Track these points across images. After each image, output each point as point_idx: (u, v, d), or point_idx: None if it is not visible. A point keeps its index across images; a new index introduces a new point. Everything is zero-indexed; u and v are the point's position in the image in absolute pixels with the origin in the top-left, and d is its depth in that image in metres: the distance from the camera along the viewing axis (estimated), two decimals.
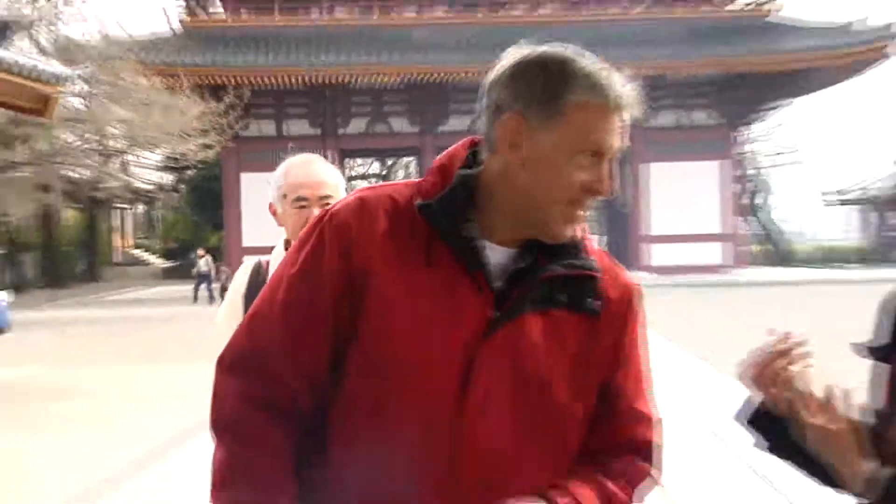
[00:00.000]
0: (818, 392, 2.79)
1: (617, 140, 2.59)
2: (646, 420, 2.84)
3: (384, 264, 2.61)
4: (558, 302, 2.66)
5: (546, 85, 2.56)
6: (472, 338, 2.58)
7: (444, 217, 2.61)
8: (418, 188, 2.71)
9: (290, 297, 2.68)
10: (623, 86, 2.58)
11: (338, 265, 2.62)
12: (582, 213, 2.64)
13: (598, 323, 2.72)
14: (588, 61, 2.59)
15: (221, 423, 2.69)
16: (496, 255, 2.65)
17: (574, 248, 2.69)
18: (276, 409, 2.64)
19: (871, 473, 2.63)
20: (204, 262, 49.68)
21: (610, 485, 2.73)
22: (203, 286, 47.07)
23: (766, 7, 57.41)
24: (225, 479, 2.64)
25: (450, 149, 2.80)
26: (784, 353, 2.81)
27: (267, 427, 2.63)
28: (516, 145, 2.57)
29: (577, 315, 2.69)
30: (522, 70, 2.61)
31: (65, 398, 19.51)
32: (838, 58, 54.63)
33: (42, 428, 16.44)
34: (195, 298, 45.05)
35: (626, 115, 2.60)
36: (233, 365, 2.72)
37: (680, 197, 54.75)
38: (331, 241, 2.65)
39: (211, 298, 45.04)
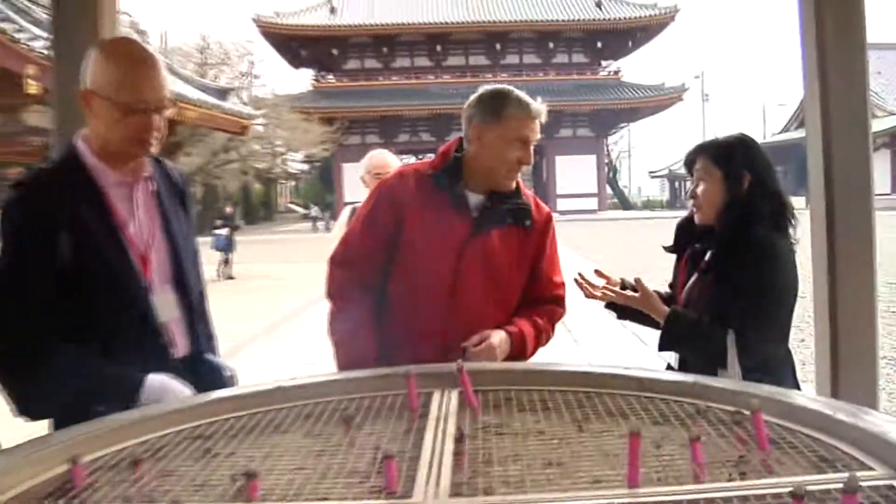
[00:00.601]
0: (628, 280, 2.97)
1: (535, 134, 2.70)
2: (558, 283, 2.94)
3: (412, 208, 2.71)
4: (507, 223, 2.76)
5: (494, 106, 2.70)
6: (459, 245, 2.69)
7: (444, 180, 2.73)
8: (431, 165, 2.82)
9: (363, 227, 2.81)
10: (536, 105, 2.70)
11: (386, 210, 2.75)
12: (517, 174, 2.75)
13: (529, 233, 2.80)
14: (517, 92, 2.73)
15: (330, 293, 2.84)
16: (473, 199, 2.74)
17: (516, 194, 2.78)
18: (359, 283, 2.76)
19: (665, 313, 2.72)
20: (315, 210, 50.55)
21: (538, 320, 2.82)
22: (315, 223, 47.61)
23: (618, 74, 57.16)
24: (333, 323, 2.82)
25: (447, 143, 2.87)
26: (600, 276, 2.98)
27: (354, 293, 2.76)
28: (479, 139, 2.71)
29: (518, 229, 2.77)
30: (482, 98, 2.75)
31: (259, 279, 19.96)
32: (655, 101, 54.76)
33: (248, 294, 16.98)
34: (314, 229, 45.69)
35: (539, 120, 2.71)
36: (336, 261, 2.86)
37: (573, 174, 54.74)
38: (382, 197, 2.79)
39: (318, 229, 45.53)
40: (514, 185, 2.77)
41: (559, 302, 2.95)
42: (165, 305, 2.25)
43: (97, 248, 2.10)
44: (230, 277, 20.55)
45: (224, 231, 21.18)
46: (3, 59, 16.51)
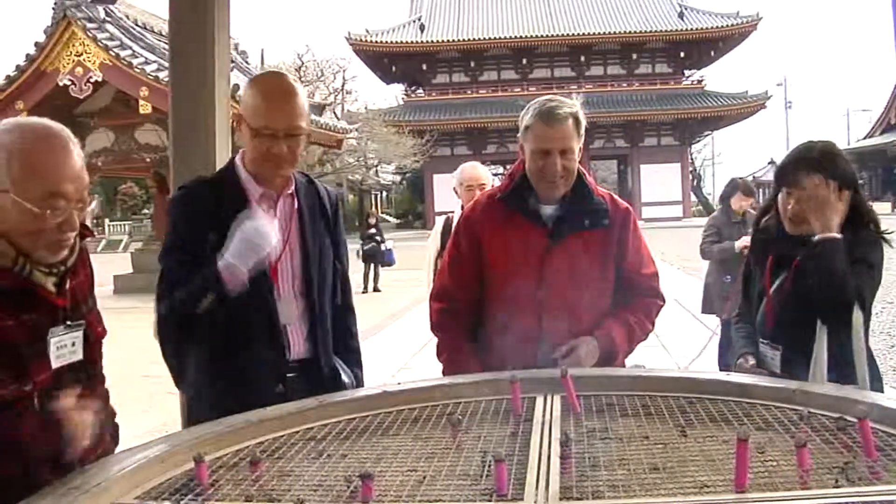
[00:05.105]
0: None
1: (558, 142, 2.64)
2: (649, 275, 2.86)
3: (490, 232, 2.79)
4: (584, 226, 2.72)
5: (524, 121, 2.70)
6: (539, 257, 2.69)
7: (513, 199, 2.76)
8: (499, 189, 2.88)
9: (451, 260, 2.92)
10: (564, 110, 2.65)
11: (468, 239, 2.84)
12: (553, 182, 2.68)
13: (609, 231, 2.74)
14: (548, 103, 2.68)
15: (433, 326, 2.94)
16: (546, 210, 2.74)
17: (589, 195, 2.75)
18: (458, 313, 2.86)
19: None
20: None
21: (630, 317, 2.76)
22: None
23: (702, 83, 56.04)
24: (440, 354, 2.89)
25: (514, 164, 2.90)
26: None
27: (454, 324, 2.87)
28: (524, 154, 2.74)
29: (598, 230, 2.73)
30: (522, 115, 2.74)
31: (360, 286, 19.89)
32: (738, 109, 53.49)
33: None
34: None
35: (569, 123, 2.64)
36: (435, 296, 2.96)
37: (658, 182, 53.85)
38: (462, 229, 2.90)
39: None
40: (560, 193, 2.74)
41: (654, 293, 2.89)
42: (287, 310, 2.48)
43: None
44: (377, 290, 19.35)
45: (389, 244, 20.31)
46: (121, 83, 17.30)
